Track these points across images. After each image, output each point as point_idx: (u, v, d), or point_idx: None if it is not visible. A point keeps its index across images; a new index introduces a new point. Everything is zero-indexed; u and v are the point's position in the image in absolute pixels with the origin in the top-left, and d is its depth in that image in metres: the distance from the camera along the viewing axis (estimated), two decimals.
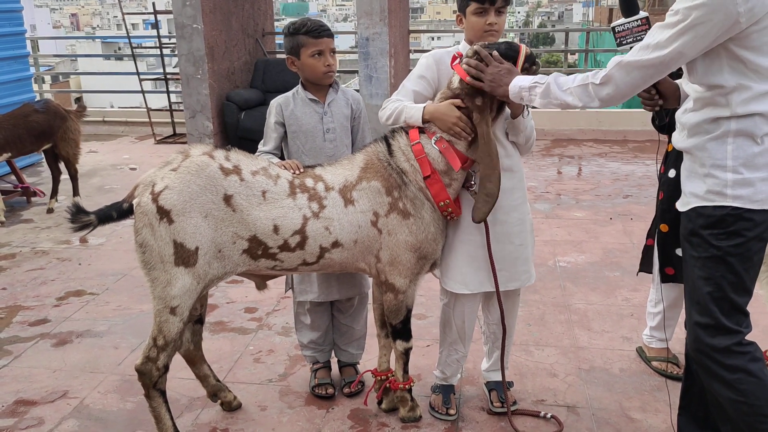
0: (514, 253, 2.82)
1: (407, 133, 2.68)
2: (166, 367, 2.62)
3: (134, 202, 2.47)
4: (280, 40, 9.24)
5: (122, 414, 3.07)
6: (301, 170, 2.66)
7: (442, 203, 2.64)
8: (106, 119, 9.82)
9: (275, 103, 2.98)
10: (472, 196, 2.70)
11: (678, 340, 3.38)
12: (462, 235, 2.79)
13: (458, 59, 2.61)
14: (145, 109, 9.34)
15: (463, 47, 2.71)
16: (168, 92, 9.51)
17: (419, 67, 2.78)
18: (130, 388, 3.26)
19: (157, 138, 9.20)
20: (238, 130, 8.04)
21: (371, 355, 3.36)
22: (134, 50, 9.62)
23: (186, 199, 2.42)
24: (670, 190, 3.08)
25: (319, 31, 2.83)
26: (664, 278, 3.19)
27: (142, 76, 9.51)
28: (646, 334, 3.35)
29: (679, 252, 3.06)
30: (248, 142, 7.99)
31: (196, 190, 2.43)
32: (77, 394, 3.22)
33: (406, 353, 2.87)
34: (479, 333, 3.20)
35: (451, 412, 2.98)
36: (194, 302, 2.56)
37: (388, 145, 2.69)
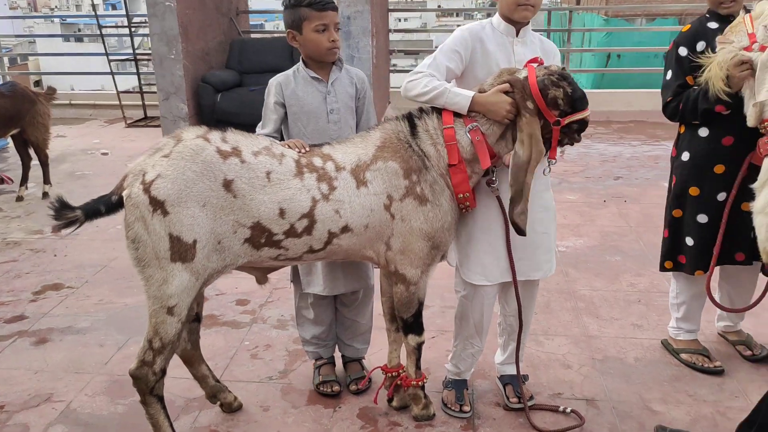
0: (537, 241, 2.67)
1: (440, 114, 2.50)
2: (164, 371, 2.42)
3: (124, 193, 2.25)
4: (254, 20, 8.95)
5: (114, 418, 2.86)
6: (307, 149, 2.46)
7: (462, 195, 2.48)
8: (73, 102, 9.43)
9: (274, 81, 2.76)
10: (492, 192, 2.55)
11: (704, 332, 3.28)
12: (482, 224, 2.63)
13: (536, 63, 2.46)
14: (115, 92, 8.97)
15: (497, 21, 2.56)
16: (138, 73, 9.15)
17: (454, 40, 2.55)
18: (120, 389, 3.04)
19: (128, 121, 8.86)
20: (214, 112, 7.75)
21: (375, 348, 3.19)
22: (101, 30, 9.21)
23: (181, 187, 2.20)
24: (684, 174, 2.95)
25: (323, 4, 2.61)
26: (677, 267, 3.07)
27: (110, 57, 9.11)
28: (672, 326, 3.22)
29: (689, 241, 2.95)
30: (225, 125, 7.67)
31: (192, 177, 2.22)
32: (63, 397, 2.99)
33: (419, 348, 2.70)
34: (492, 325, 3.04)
35: (466, 408, 2.83)
36: (193, 300, 2.35)
37: (412, 125, 2.50)
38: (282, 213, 2.31)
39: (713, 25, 2.81)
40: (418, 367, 2.74)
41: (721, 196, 2.84)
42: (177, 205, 2.20)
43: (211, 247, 2.27)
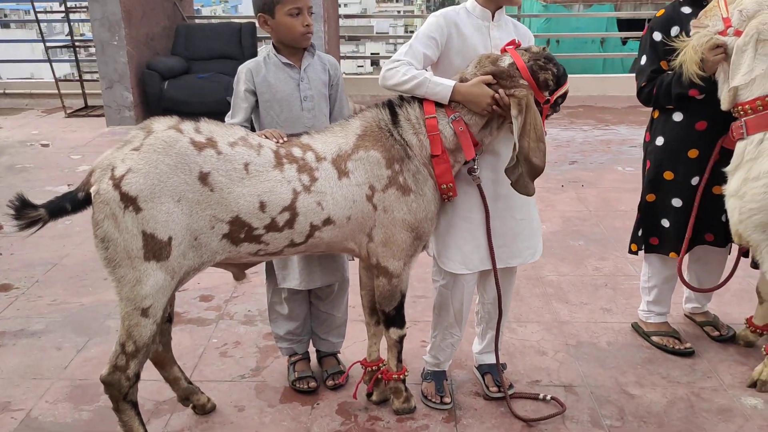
0: (516, 228, 2.64)
1: (421, 104, 2.44)
2: (137, 376, 2.29)
3: (92, 190, 2.11)
4: (198, 4, 8.66)
5: (79, 426, 2.71)
6: (285, 139, 2.36)
7: (445, 185, 2.44)
8: (7, 91, 8.99)
9: (244, 68, 2.64)
10: (473, 181, 2.52)
11: (672, 313, 3.33)
12: (461, 212, 2.59)
13: (513, 45, 2.44)
14: (53, 80, 8.58)
15: (471, 6, 2.50)
16: (77, 60, 8.77)
17: (429, 26, 2.49)
18: (83, 394, 2.89)
19: (68, 111, 8.49)
20: (161, 100, 7.52)
21: (349, 342, 3.13)
22: (36, 16, 8.77)
23: (154, 182, 2.08)
24: (658, 158, 2.97)
25: None
26: (648, 248, 3.11)
27: (47, 44, 8.70)
28: (642, 309, 3.26)
29: (664, 222, 2.98)
30: (173, 114, 7.44)
31: (165, 170, 2.10)
32: (21, 405, 2.82)
33: (401, 341, 2.65)
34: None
35: (446, 400, 2.79)
36: (168, 300, 2.24)
37: (393, 114, 2.43)
38: (262, 206, 2.21)
39: (687, 9, 2.83)
40: (399, 360, 2.68)
41: (695, 180, 2.88)
42: (150, 201, 2.08)
43: (188, 244, 2.16)
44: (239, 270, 2.49)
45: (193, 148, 2.14)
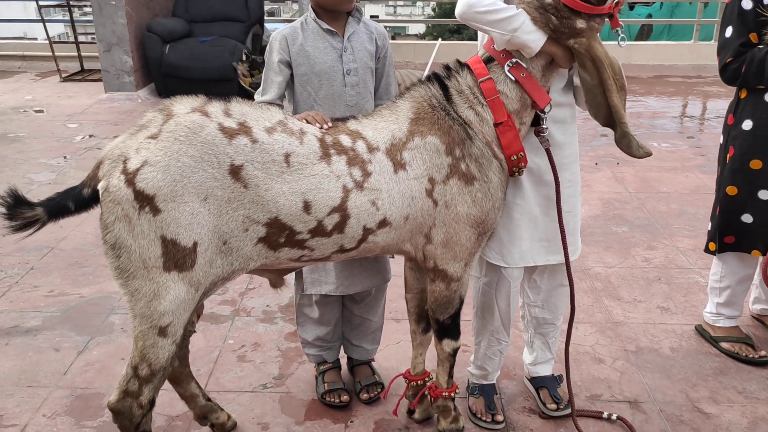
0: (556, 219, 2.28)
1: (469, 68, 2.05)
2: (152, 403, 1.94)
3: (100, 186, 1.75)
4: None
5: None
6: (329, 124, 1.98)
7: (515, 156, 2.06)
8: None
9: (278, 35, 2.25)
10: (542, 144, 2.14)
11: (746, 317, 3.00)
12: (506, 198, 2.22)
13: None
14: (47, 41, 8.10)
15: None
16: (72, 21, 8.28)
17: None
18: (85, 406, 2.55)
19: (63, 75, 8.03)
20: (162, 65, 7.07)
21: (381, 344, 2.77)
22: None
23: (176, 177, 1.71)
24: (744, 145, 2.60)
25: None
26: (722, 247, 2.75)
27: (40, 3, 8.20)
28: (710, 311, 2.91)
29: (745, 219, 2.62)
30: (174, 79, 7.06)
31: (190, 163, 1.73)
32: (16, 420, 2.48)
33: (454, 354, 2.30)
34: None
35: (498, 418, 2.46)
36: (191, 315, 1.88)
37: (444, 88, 2.04)
38: (307, 207, 1.84)
39: None
40: (450, 375, 2.34)
41: None
42: (171, 201, 1.71)
43: (215, 249, 1.80)
44: (277, 276, 2.13)
45: (222, 136, 1.76)
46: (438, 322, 2.23)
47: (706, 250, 2.83)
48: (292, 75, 2.24)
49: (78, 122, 6.31)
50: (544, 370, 2.59)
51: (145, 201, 1.70)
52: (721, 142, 2.74)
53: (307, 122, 1.94)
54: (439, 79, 2.07)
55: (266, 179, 1.79)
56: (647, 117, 6.48)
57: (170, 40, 7.12)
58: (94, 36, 7.69)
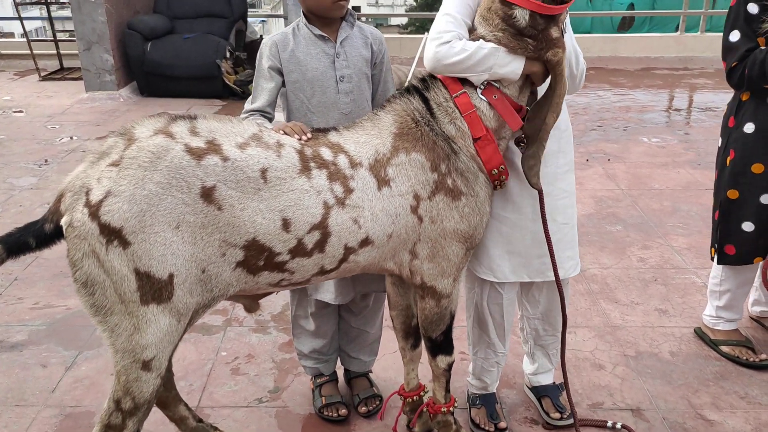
0: (557, 233, 2.23)
1: (442, 82, 1.98)
2: None
3: (63, 221, 1.64)
4: None
5: None
6: (309, 135, 1.89)
7: (496, 170, 1.99)
8: None
9: (269, 41, 2.17)
10: (522, 153, 2.06)
11: (745, 319, 2.98)
12: (493, 210, 2.16)
13: None
14: (25, 40, 7.93)
15: None
16: (50, 18, 8.10)
17: None
18: (75, 426, 2.48)
19: (42, 74, 7.87)
20: (144, 64, 6.94)
21: (379, 353, 2.71)
22: None
23: (143, 207, 1.62)
24: (746, 148, 2.55)
25: None
26: (722, 258, 2.71)
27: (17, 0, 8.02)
28: (710, 314, 2.88)
29: (746, 227, 2.59)
30: (157, 78, 6.94)
31: (157, 190, 1.63)
32: None
33: (449, 368, 2.25)
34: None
35: (502, 425, 2.42)
36: (175, 346, 1.80)
37: (424, 100, 1.97)
38: (286, 225, 1.75)
39: None
40: (447, 390, 2.29)
41: None
42: (140, 232, 1.62)
43: (193, 278, 1.70)
44: (252, 301, 2.04)
45: (190, 157, 1.67)
46: (430, 339, 2.17)
47: (712, 257, 2.77)
48: (284, 82, 2.16)
49: (59, 123, 6.17)
50: (546, 379, 2.54)
51: (112, 234, 1.60)
52: (720, 144, 2.70)
53: (285, 134, 1.86)
54: (419, 91, 2.00)
55: (242, 198, 1.70)
56: (636, 111, 6.45)
57: (152, 37, 6.99)
58: (72, 32, 7.54)
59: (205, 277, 1.73)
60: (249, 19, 7.92)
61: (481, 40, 1.92)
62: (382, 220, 1.87)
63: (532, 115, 1.98)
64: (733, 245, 2.65)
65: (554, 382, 2.55)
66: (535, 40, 1.88)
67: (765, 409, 2.53)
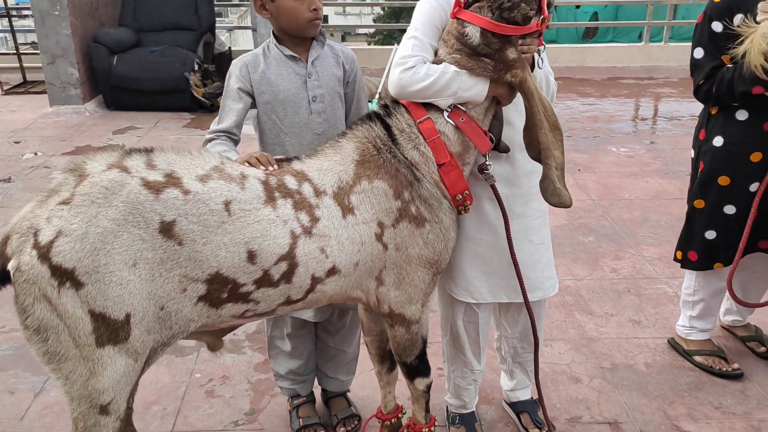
0: (534, 254, 2.23)
1: (406, 107, 1.96)
2: None
3: (10, 265, 1.56)
4: None
5: None
6: (275, 166, 1.86)
7: (460, 195, 1.98)
8: None
9: (239, 62, 2.15)
10: (486, 181, 2.06)
11: (716, 328, 3.01)
12: (468, 231, 2.17)
13: (462, 6, 1.89)
14: None
15: None
16: (13, 31, 7.95)
17: (424, 13, 2.01)
18: None
19: (5, 87, 7.71)
20: (110, 77, 6.84)
21: (356, 373, 2.69)
22: None
23: (96, 246, 1.55)
24: (714, 160, 2.59)
25: None
26: (686, 263, 2.76)
27: None
28: (683, 325, 2.91)
29: (708, 235, 2.64)
30: (123, 92, 6.84)
31: (111, 227, 1.56)
32: None
33: (428, 390, 2.23)
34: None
35: None
36: (134, 387, 1.76)
37: (386, 127, 1.95)
38: (252, 257, 1.70)
39: None
40: (427, 410, 2.27)
41: (754, 186, 2.52)
42: (94, 272, 1.55)
43: (152, 317, 1.65)
44: (216, 338, 1.97)
45: (147, 192, 1.60)
46: (405, 364, 2.14)
47: (675, 258, 2.82)
48: (254, 103, 2.14)
49: (23, 138, 6.04)
50: (524, 395, 2.54)
51: (64, 276, 1.53)
52: (693, 156, 2.74)
53: (250, 164, 1.83)
54: (380, 117, 1.98)
55: (204, 232, 1.65)
56: (604, 120, 6.54)
57: (118, 50, 6.89)
58: (35, 43, 7.40)
59: (164, 314, 1.67)
60: (217, 30, 7.86)
61: (444, 64, 1.91)
62: (348, 248, 1.84)
63: (527, 141, 1.96)
64: (696, 252, 2.71)
65: (532, 398, 2.55)
66: (491, 59, 1.88)
67: (739, 419, 2.57)
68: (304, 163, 1.89)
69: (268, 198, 1.74)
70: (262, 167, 1.83)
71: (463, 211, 2.04)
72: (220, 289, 1.71)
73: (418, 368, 2.16)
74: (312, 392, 2.59)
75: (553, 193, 1.93)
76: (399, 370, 2.28)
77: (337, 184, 1.85)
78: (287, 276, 1.76)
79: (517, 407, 2.54)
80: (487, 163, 2.04)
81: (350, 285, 1.91)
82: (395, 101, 1.99)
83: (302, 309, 1.98)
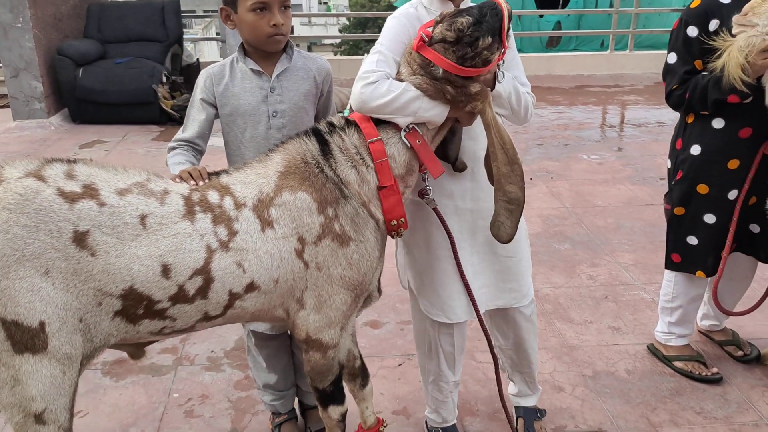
0: (497, 266, 2.23)
1: (357, 127, 1.93)
2: None
3: None
4: None
5: None
6: (206, 181, 1.84)
7: (395, 221, 1.94)
8: None
9: (205, 74, 2.14)
10: (428, 204, 2.07)
11: (694, 333, 3.03)
12: (437, 250, 2.17)
13: (425, 42, 1.87)
14: None
15: (428, 0, 2.06)
16: None
17: (391, 29, 2.01)
18: None
19: None
20: (75, 90, 6.71)
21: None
22: None
23: (5, 251, 1.55)
24: (692, 170, 2.62)
25: None
26: (669, 265, 2.79)
27: None
28: (662, 330, 2.93)
29: (690, 240, 2.67)
30: (89, 104, 6.72)
31: (22, 234, 1.56)
32: None
33: (343, 419, 2.14)
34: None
35: None
36: (73, 397, 1.71)
37: (322, 143, 1.91)
38: (166, 271, 1.67)
39: (726, 0, 2.46)
40: None
41: (733, 194, 2.55)
42: (3, 278, 1.55)
43: (71, 327, 1.62)
44: (137, 348, 1.94)
45: (62, 201, 1.60)
46: (318, 390, 2.07)
47: (669, 263, 2.84)
48: (217, 114, 2.12)
49: None
50: (526, 402, 2.53)
51: None
52: (669, 166, 2.76)
53: (182, 179, 1.81)
54: (319, 133, 1.93)
55: (117, 244, 1.63)
56: (574, 128, 6.61)
57: (83, 63, 6.77)
58: None
59: (84, 326, 1.65)
60: (186, 44, 7.78)
61: (407, 83, 1.90)
62: (267, 263, 1.79)
63: (487, 169, 1.96)
64: (679, 255, 2.74)
65: (535, 406, 2.53)
66: (454, 88, 1.87)
67: (720, 422, 2.59)
68: (230, 177, 1.87)
69: (188, 212, 1.73)
70: (192, 182, 1.81)
71: (395, 236, 2.01)
72: (136, 305, 1.69)
73: (333, 395, 2.09)
74: (293, 410, 2.55)
75: (494, 224, 1.94)
76: (372, 385, 2.26)
77: (258, 196, 1.82)
78: (203, 291, 1.73)
79: (518, 412, 2.54)
80: (427, 188, 2.04)
81: (272, 303, 1.87)
82: (347, 120, 1.96)
83: (224, 324, 1.94)
